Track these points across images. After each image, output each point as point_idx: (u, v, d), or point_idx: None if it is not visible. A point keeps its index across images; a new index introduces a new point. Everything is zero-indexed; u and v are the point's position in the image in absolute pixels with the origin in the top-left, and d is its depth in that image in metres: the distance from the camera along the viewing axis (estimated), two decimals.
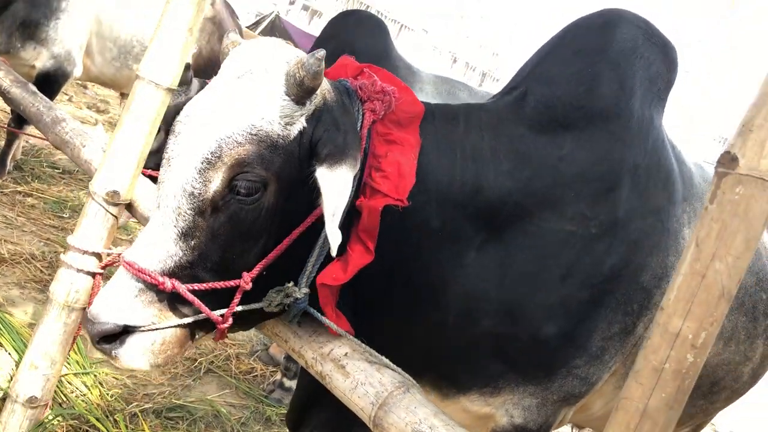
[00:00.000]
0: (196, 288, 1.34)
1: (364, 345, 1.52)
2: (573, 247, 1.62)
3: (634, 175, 1.67)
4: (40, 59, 4.14)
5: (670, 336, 0.98)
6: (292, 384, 3.25)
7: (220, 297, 1.37)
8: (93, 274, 1.98)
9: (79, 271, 1.96)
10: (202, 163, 1.30)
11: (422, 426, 1.32)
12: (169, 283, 1.30)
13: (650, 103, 1.73)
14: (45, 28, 4.09)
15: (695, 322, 0.97)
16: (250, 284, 1.36)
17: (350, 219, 1.46)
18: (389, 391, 1.39)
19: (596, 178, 1.64)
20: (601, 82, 1.67)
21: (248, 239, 1.36)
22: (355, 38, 2.86)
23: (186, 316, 1.36)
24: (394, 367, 1.45)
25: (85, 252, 1.96)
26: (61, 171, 5.12)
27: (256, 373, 3.45)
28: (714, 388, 2.15)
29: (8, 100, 2.69)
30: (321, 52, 1.31)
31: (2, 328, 2.64)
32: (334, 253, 1.32)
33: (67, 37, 4.15)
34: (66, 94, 7.37)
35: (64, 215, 4.31)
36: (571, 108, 1.65)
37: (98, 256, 1.98)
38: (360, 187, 1.46)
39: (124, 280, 1.33)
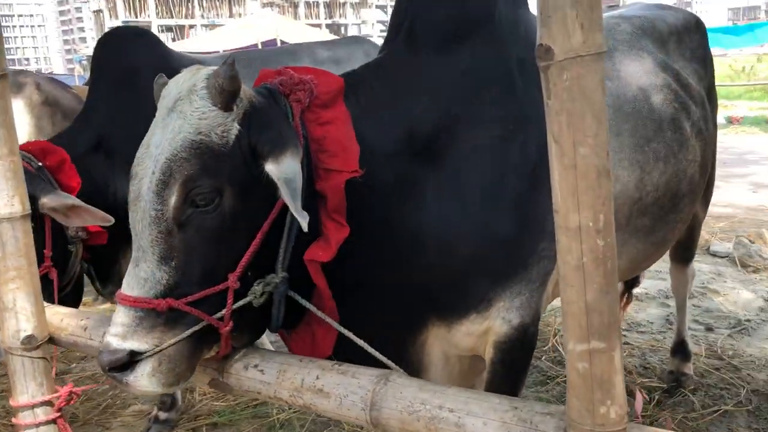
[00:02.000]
0: (189, 300, 1.42)
1: (327, 361, 1.52)
2: (502, 148, 1.75)
3: (522, 67, 1.79)
4: None
5: (574, 232, 1.00)
6: (168, 415, 3.21)
7: (213, 305, 1.46)
8: (54, 420, 1.91)
9: (39, 425, 1.89)
10: (158, 186, 1.40)
11: (415, 405, 1.33)
12: (163, 303, 1.40)
13: None
14: None
15: (588, 209, 0.98)
16: (238, 283, 1.45)
17: (315, 201, 1.57)
18: (372, 390, 1.39)
19: (497, 80, 1.77)
20: None
21: (222, 244, 1.45)
22: (130, 52, 2.96)
23: (184, 331, 1.44)
24: (365, 370, 1.46)
25: (34, 406, 1.88)
26: None
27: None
28: (676, 200, 2.31)
29: None
30: (231, 58, 1.42)
31: None
32: (305, 228, 1.39)
33: None
34: None
35: None
36: (455, 22, 1.77)
37: (48, 402, 1.91)
38: (312, 172, 1.58)
39: (123, 313, 1.42)
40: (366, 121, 1.66)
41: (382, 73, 1.79)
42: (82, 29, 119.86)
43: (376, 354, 1.52)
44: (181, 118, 1.44)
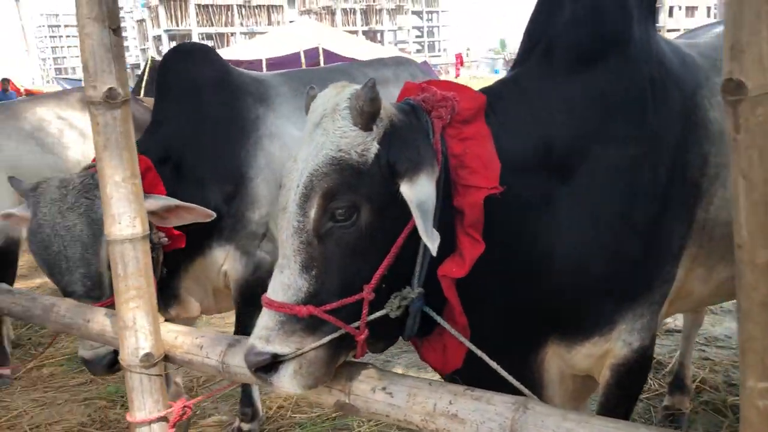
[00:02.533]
0: (327, 308, 1.48)
1: (457, 385, 1.53)
2: (634, 169, 1.76)
3: (653, 88, 1.80)
4: None
5: (761, 269, 0.98)
6: (251, 426, 3.24)
7: (350, 314, 1.50)
8: None
9: None
10: (301, 198, 1.47)
11: None
12: (304, 309, 1.46)
13: (645, 17, 1.87)
14: None
15: None
16: (372, 294, 1.49)
17: (451, 216, 1.60)
18: (510, 418, 1.39)
19: (631, 100, 1.78)
20: (608, 11, 1.80)
21: (359, 257, 1.50)
22: (194, 68, 3.04)
23: (323, 337, 1.50)
24: (500, 396, 1.45)
25: (150, 422, 1.92)
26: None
27: None
28: None
29: None
30: (372, 80, 1.46)
31: None
32: (434, 253, 1.43)
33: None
34: None
35: (84, 368, 4.23)
36: (593, 41, 1.78)
37: (163, 418, 1.95)
38: (450, 188, 1.61)
39: (267, 316, 1.50)
40: (503, 137, 1.67)
41: (519, 90, 1.80)
42: (125, 38, 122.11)
43: (510, 379, 1.52)
44: (325, 134, 1.49)
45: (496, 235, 1.61)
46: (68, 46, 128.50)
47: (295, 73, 3.70)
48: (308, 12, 64.67)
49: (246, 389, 3.26)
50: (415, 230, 1.51)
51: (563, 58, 1.78)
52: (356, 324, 1.50)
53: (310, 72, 3.79)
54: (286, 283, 1.48)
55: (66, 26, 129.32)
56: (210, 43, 53.33)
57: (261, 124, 3.12)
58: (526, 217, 1.70)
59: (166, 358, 1.98)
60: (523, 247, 1.70)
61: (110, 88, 1.77)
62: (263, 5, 61.77)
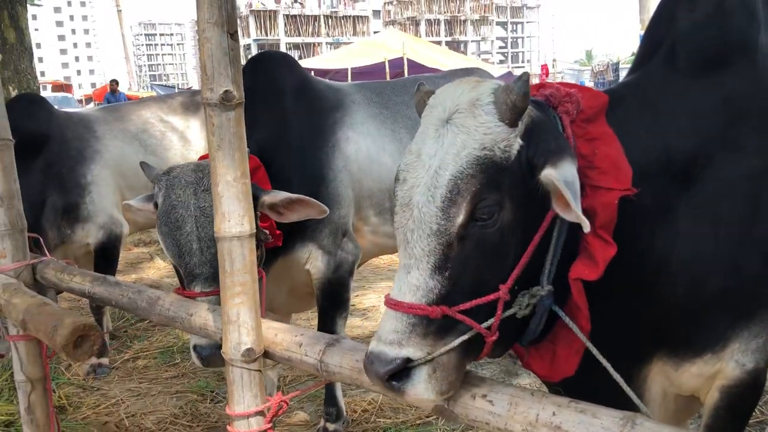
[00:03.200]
0: (461, 308, 1.43)
1: (561, 397, 1.50)
2: (757, 180, 1.69)
3: None
4: (91, 235, 4.27)
5: None
6: (336, 426, 3.26)
7: (481, 314, 1.46)
8: (265, 431, 2.00)
9: None
10: (444, 203, 1.41)
11: None
12: (438, 310, 1.40)
13: None
14: (84, 206, 4.23)
15: None
16: (509, 294, 1.46)
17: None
18: None
19: (757, 109, 1.72)
20: (736, 12, 1.76)
21: (496, 257, 1.47)
22: (278, 75, 3.18)
23: (455, 339, 1.44)
24: (606, 410, 1.42)
25: (248, 416, 1.97)
26: (148, 320, 5.23)
27: None
28: None
29: (96, 300, 2.74)
30: (526, 74, 1.43)
31: None
32: (587, 230, 1.41)
33: (105, 205, 4.26)
34: None
35: (176, 361, 4.40)
36: (718, 46, 1.74)
37: (260, 412, 2.00)
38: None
39: (395, 319, 1.43)
40: (624, 139, 1.63)
41: (641, 92, 1.78)
42: None
43: (627, 389, 1.48)
44: (464, 132, 1.44)
45: (616, 240, 1.57)
46: (163, 54, 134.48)
47: (367, 84, 3.86)
48: (393, 22, 65.31)
49: (330, 389, 3.32)
50: (548, 229, 1.51)
51: (687, 62, 1.74)
52: (487, 324, 1.47)
53: (382, 83, 3.88)
54: (415, 284, 1.43)
55: (161, 35, 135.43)
56: (297, 53, 54.70)
57: (338, 129, 3.24)
58: (644, 223, 1.66)
59: (266, 354, 2.03)
60: (640, 255, 1.66)
61: (226, 91, 1.84)
62: (349, 16, 62.80)
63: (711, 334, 1.74)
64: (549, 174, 1.44)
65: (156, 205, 2.57)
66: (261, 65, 3.26)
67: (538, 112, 1.56)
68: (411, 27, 66.57)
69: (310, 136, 3.15)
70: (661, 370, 1.82)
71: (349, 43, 44.82)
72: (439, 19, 70.33)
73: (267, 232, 2.71)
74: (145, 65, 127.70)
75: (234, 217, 1.91)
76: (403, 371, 1.42)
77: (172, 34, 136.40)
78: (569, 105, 1.61)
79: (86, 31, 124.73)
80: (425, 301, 1.42)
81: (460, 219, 1.41)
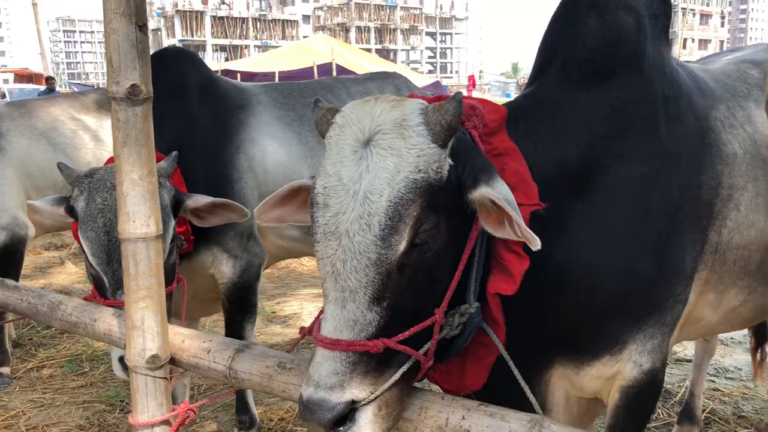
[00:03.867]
0: (401, 338, 1.38)
1: (470, 400, 1.49)
2: (648, 187, 1.74)
3: (666, 107, 1.80)
4: None
5: None
6: None
7: (416, 342, 1.42)
8: None
9: None
10: (383, 231, 1.33)
11: None
12: (379, 344, 1.34)
13: (658, 38, 1.87)
14: None
15: None
16: (444, 317, 1.43)
17: (489, 236, 1.53)
18: None
19: (645, 117, 1.77)
20: (623, 27, 1.80)
21: (433, 280, 1.43)
22: (183, 71, 3.10)
23: (396, 371, 1.38)
24: (513, 413, 1.42)
25: (153, 425, 1.89)
26: (55, 328, 4.99)
27: None
28: None
29: None
30: (459, 94, 1.41)
31: None
32: (538, 248, 1.38)
33: (7, 205, 4.02)
34: None
35: (85, 370, 4.20)
36: (607, 58, 1.77)
37: (166, 422, 1.91)
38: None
39: (333, 359, 1.34)
40: (527, 152, 1.65)
41: (537, 104, 1.81)
42: None
43: (531, 397, 1.49)
44: (395, 155, 1.38)
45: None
46: (83, 52, 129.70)
47: (275, 85, 3.81)
48: (323, 28, 65.07)
49: (241, 396, 3.24)
50: (472, 245, 1.49)
51: (577, 74, 1.78)
52: (423, 350, 1.42)
53: (290, 84, 3.82)
54: (353, 319, 1.35)
55: (81, 32, 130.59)
56: (224, 54, 53.78)
57: (242, 130, 3.18)
58: (543, 233, 1.65)
59: (173, 361, 1.95)
60: (541, 265, 1.66)
61: (133, 85, 1.76)
62: (278, 19, 62.25)
63: (608, 336, 1.78)
64: (486, 193, 1.41)
65: (68, 209, 2.44)
66: (164, 60, 3.14)
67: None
68: (341, 33, 66.51)
69: (216, 135, 3.08)
70: (563, 374, 1.85)
71: (277, 46, 44.38)
72: (369, 27, 70.55)
73: (182, 237, 2.62)
74: (63, 62, 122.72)
75: (139, 218, 1.82)
76: (347, 414, 1.34)
77: (93, 32, 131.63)
78: (476, 119, 1.59)
79: None
80: (364, 336, 1.35)
81: (402, 246, 1.35)
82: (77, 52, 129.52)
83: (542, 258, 1.66)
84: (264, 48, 52.36)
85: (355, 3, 63.44)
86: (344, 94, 3.62)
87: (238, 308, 3.06)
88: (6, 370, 4.09)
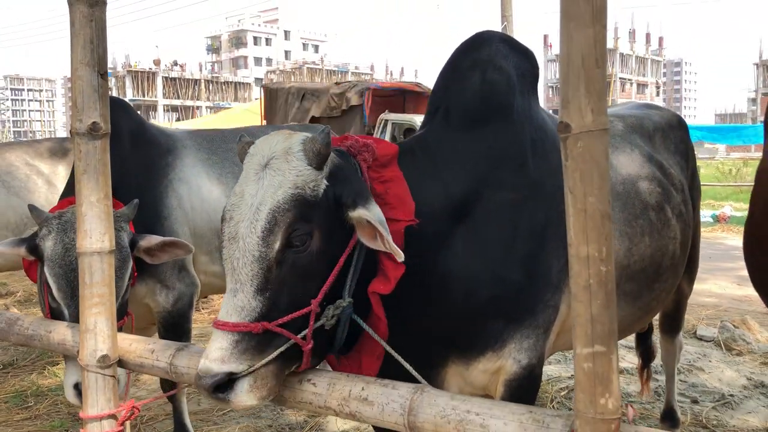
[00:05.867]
0: (279, 322, 1.70)
1: (371, 377, 1.82)
2: (517, 211, 2.11)
3: (534, 147, 2.19)
4: None
5: (583, 260, 1.33)
6: None
7: (295, 329, 1.74)
8: None
9: None
10: (263, 233, 1.69)
11: (447, 410, 1.61)
12: (259, 326, 1.67)
13: (527, 92, 2.29)
14: None
15: (594, 243, 1.32)
16: (319, 307, 1.76)
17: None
18: (410, 398, 1.68)
19: (515, 155, 2.16)
20: (495, 83, 2.20)
21: (308, 277, 1.76)
22: (116, 119, 3.34)
23: (274, 351, 1.70)
24: (402, 383, 1.75)
25: (102, 418, 2.14)
26: (1, 367, 5.09)
27: None
28: (660, 271, 2.65)
29: None
30: (327, 128, 1.83)
31: None
32: (401, 259, 1.76)
33: None
34: None
35: (29, 404, 4.33)
36: (483, 108, 2.17)
37: (113, 416, 2.17)
38: None
39: (220, 338, 1.67)
40: (413, 182, 2.01)
41: (425, 145, 2.17)
42: None
43: (415, 374, 1.81)
44: (280, 174, 1.75)
45: (407, 263, 1.89)
46: (30, 110, 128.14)
47: (200, 131, 4.14)
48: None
49: (178, 418, 3.49)
50: (350, 252, 1.83)
51: (459, 121, 2.18)
52: (302, 335, 1.75)
53: (212, 132, 4.16)
54: (240, 305, 1.68)
55: (30, 90, 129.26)
56: (175, 115, 53.87)
57: (170, 170, 3.51)
58: (428, 249, 2.02)
59: (120, 362, 2.22)
60: (427, 275, 2.02)
61: (94, 122, 2.09)
62: (231, 82, 63.03)
63: (490, 335, 2.11)
64: (363, 214, 1.76)
65: (31, 248, 2.66)
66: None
67: (340, 159, 1.88)
68: None
69: (147, 176, 3.39)
70: (456, 371, 2.17)
71: (229, 107, 44.85)
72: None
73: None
74: (9, 120, 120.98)
75: (95, 234, 2.12)
76: (228, 383, 1.66)
77: (41, 90, 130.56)
78: (366, 154, 1.96)
79: None
80: (248, 319, 1.68)
81: (276, 246, 1.69)
82: (24, 110, 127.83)
83: (430, 267, 2.04)
84: (216, 109, 52.79)
85: (308, 68, 64.67)
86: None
87: (174, 335, 3.29)
88: None
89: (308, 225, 1.74)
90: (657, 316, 3.40)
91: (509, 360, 2.14)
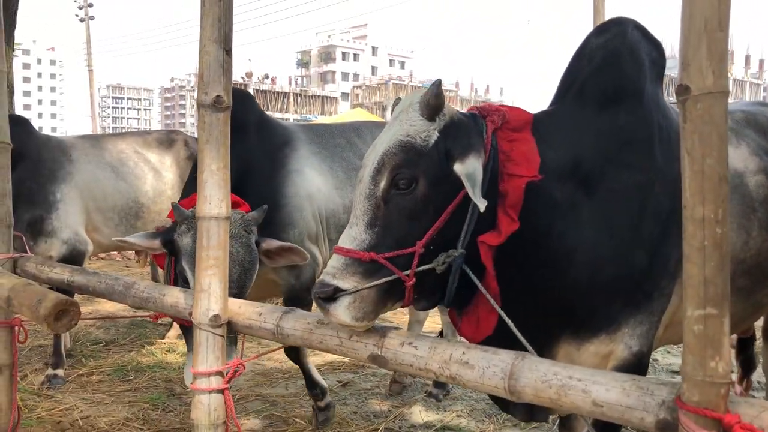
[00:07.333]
0: (385, 256, 1.86)
1: (472, 344, 1.87)
2: (644, 193, 2.14)
3: (660, 132, 2.22)
4: (54, 249, 4.51)
5: (698, 221, 1.35)
6: (326, 401, 3.85)
7: (402, 266, 1.87)
8: (222, 390, 2.30)
9: (210, 392, 2.28)
10: (373, 172, 1.90)
11: (548, 376, 1.64)
12: (367, 255, 1.85)
13: (655, 80, 2.33)
14: (49, 221, 4.49)
15: (711, 204, 1.33)
16: (422, 249, 1.87)
17: (495, 200, 1.97)
18: (511, 363, 1.72)
19: (644, 138, 2.20)
20: (630, 66, 2.26)
21: (413, 219, 1.89)
22: (246, 109, 3.58)
23: (378, 279, 1.86)
24: (504, 350, 1.79)
25: (210, 374, 2.27)
26: (104, 344, 5.41)
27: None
28: None
29: (75, 288, 3.00)
30: (438, 80, 1.92)
31: None
32: (482, 209, 1.82)
33: (70, 222, 4.53)
34: None
35: (130, 377, 4.59)
36: (617, 89, 2.23)
37: (220, 373, 2.30)
38: (497, 176, 1.99)
39: (335, 260, 1.89)
40: (544, 147, 2.08)
41: (557, 119, 2.24)
42: (183, 114, 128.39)
43: (520, 337, 1.85)
44: (399, 124, 1.94)
45: (531, 225, 1.99)
46: (128, 118, 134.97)
47: (309, 126, 4.41)
48: (360, 105, 67.03)
49: (307, 374, 3.77)
50: (462, 204, 1.92)
51: (592, 98, 2.23)
52: (407, 272, 1.88)
53: (321, 127, 4.40)
54: (353, 236, 1.89)
55: (129, 99, 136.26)
56: None
57: (288, 162, 3.72)
58: (555, 214, 2.07)
59: (230, 323, 2.35)
60: (551, 240, 2.07)
61: (218, 96, 2.24)
62: (318, 96, 64.43)
63: (606, 316, 2.12)
64: (457, 168, 1.89)
65: (166, 242, 2.95)
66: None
67: (463, 117, 2.00)
68: (377, 111, 68.35)
69: (269, 165, 3.62)
70: (566, 352, 2.18)
71: (315, 120, 45.82)
72: None
73: None
74: (109, 127, 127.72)
75: (214, 201, 2.27)
76: (333, 298, 1.85)
77: (140, 99, 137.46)
78: (495, 116, 2.06)
79: (53, 89, 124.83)
80: (359, 248, 1.87)
81: (383, 185, 1.88)
82: (123, 118, 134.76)
83: (554, 235, 2.08)
84: (303, 122, 54.03)
85: (393, 83, 65.30)
86: (369, 137, 4.13)
87: (298, 306, 3.51)
88: (60, 372, 4.50)
89: (413, 170, 1.87)
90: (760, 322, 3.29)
91: (621, 345, 2.14)
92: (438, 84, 1.91)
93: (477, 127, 2.03)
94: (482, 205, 1.83)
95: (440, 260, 1.90)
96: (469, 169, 1.88)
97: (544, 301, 2.12)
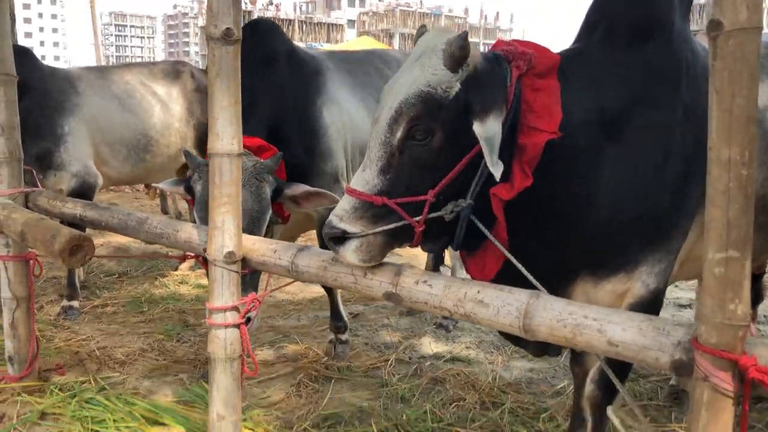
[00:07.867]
0: (397, 201, 1.86)
1: (486, 282, 1.87)
2: (668, 131, 2.09)
3: (687, 67, 2.15)
4: (64, 182, 4.51)
5: (724, 163, 1.32)
6: (346, 336, 3.92)
7: (411, 212, 1.88)
8: (238, 325, 2.33)
9: (226, 327, 2.31)
10: (390, 120, 1.86)
11: (563, 315, 1.64)
12: (379, 199, 1.85)
13: (683, 14, 2.25)
14: (58, 155, 4.47)
15: (738, 146, 1.30)
16: (433, 198, 1.87)
17: (511, 152, 1.95)
18: (526, 302, 1.72)
19: (672, 74, 2.13)
20: (658, 2, 2.17)
21: (427, 170, 1.88)
22: (264, 41, 3.51)
23: (386, 224, 1.87)
24: (519, 288, 1.79)
25: (226, 309, 2.30)
26: (117, 276, 5.48)
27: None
28: None
29: (87, 223, 3.01)
30: (465, 32, 1.85)
31: (159, 412, 3.00)
32: (497, 178, 1.82)
33: (79, 155, 4.52)
34: None
35: (144, 309, 4.67)
36: (646, 23, 2.15)
37: (236, 308, 2.33)
38: (517, 127, 1.96)
39: (346, 202, 1.89)
40: (569, 93, 2.02)
41: (584, 59, 2.16)
42: (186, 43, 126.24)
43: (532, 279, 1.85)
44: (420, 69, 1.87)
45: (549, 175, 1.96)
46: (132, 46, 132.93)
47: (335, 53, 4.33)
48: (367, 33, 65.70)
49: (334, 305, 3.88)
50: (475, 157, 1.89)
51: (620, 34, 2.14)
52: (417, 219, 1.87)
53: (349, 54, 4.32)
54: (366, 179, 1.88)
55: (132, 27, 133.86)
56: None
57: (322, 92, 3.65)
58: (578, 162, 2.04)
59: (244, 260, 2.36)
60: (572, 187, 2.04)
61: (228, 28, 2.18)
62: (324, 23, 63.09)
63: (625, 255, 2.12)
64: (476, 128, 1.84)
65: (187, 188, 2.96)
66: (255, 33, 3.59)
67: (487, 65, 1.92)
68: (385, 39, 67.03)
69: (303, 97, 3.55)
70: (583, 290, 2.19)
71: (321, 48, 44.98)
72: (413, 34, 70.94)
73: (276, 216, 3.08)
74: (112, 55, 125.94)
75: (226, 137, 2.24)
76: (342, 238, 1.88)
77: (143, 27, 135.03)
78: (521, 62, 1.97)
79: (53, 16, 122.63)
80: (371, 192, 1.86)
81: (399, 135, 1.85)
82: (127, 46, 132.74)
83: (577, 179, 2.06)
84: (309, 49, 53.07)
85: (401, 10, 63.78)
86: (395, 65, 4.05)
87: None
88: (75, 303, 4.58)
89: (431, 122, 1.84)
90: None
91: (638, 283, 2.15)
92: (464, 37, 1.83)
93: (501, 73, 1.97)
94: (497, 172, 1.81)
95: (449, 209, 1.89)
96: (489, 132, 1.84)
97: (564, 241, 2.12)
